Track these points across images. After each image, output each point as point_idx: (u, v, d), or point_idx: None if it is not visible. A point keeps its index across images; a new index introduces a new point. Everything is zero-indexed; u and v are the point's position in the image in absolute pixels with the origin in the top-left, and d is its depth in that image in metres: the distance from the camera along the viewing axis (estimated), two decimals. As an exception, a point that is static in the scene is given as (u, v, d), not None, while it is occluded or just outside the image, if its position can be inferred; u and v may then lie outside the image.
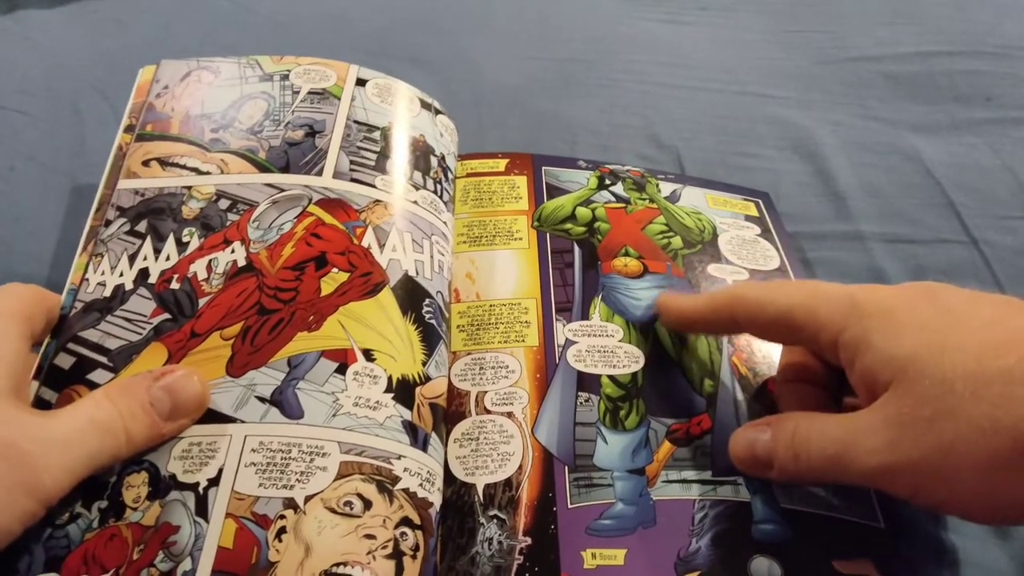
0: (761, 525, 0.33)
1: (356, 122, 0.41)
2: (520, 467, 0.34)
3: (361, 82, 0.43)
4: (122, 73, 0.56)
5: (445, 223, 0.41)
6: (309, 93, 0.42)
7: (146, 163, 0.39)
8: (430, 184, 0.41)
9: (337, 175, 0.38)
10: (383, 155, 0.40)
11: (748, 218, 0.48)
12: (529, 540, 0.32)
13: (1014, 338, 0.25)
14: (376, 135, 0.41)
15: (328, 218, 0.37)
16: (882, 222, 0.51)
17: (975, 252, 0.49)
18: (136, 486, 0.29)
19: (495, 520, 0.33)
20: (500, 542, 0.32)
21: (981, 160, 0.55)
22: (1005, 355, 0.24)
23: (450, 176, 0.43)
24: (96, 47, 0.58)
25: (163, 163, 0.39)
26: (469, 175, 0.47)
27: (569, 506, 0.33)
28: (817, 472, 0.29)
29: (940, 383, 0.24)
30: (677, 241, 0.45)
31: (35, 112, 0.52)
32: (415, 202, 0.39)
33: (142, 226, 0.36)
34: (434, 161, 0.42)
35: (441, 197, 0.41)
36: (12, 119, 0.52)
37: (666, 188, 0.48)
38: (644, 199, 0.47)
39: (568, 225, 0.45)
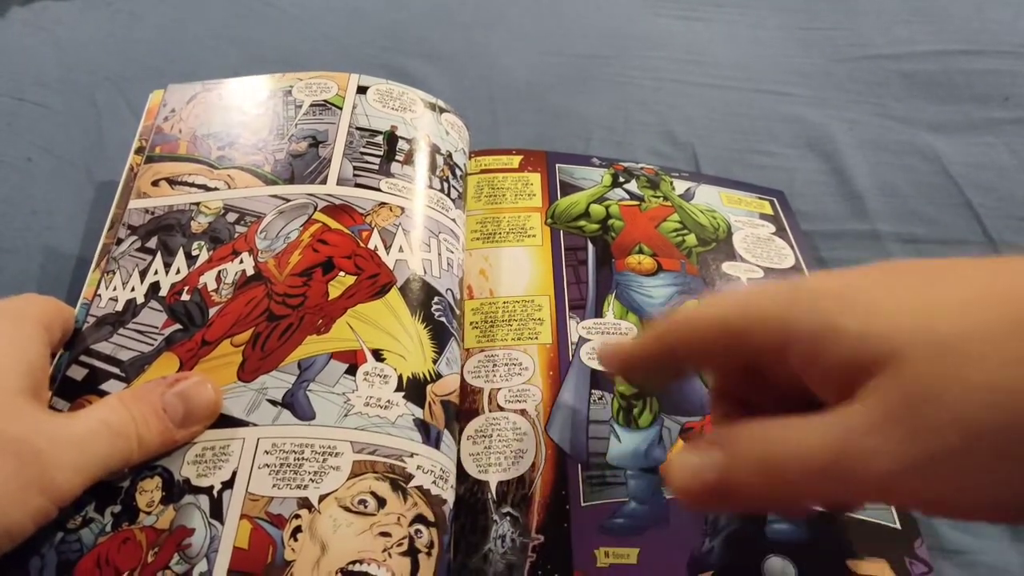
0: (775, 524, 0.33)
1: (359, 129, 0.42)
2: (533, 464, 0.34)
3: (362, 90, 0.44)
4: (137, 66, 0.56)
5: (454, 220, 0.41)
6: (311, 106, 0.43)
7: (155, 183, 0.40)
8: (436, 183, 0.41)
9: (341, 182, 0.39)
10: (386, 158, 0.41)
11: (763, 216, 0.48)
12: (542, 538, 0.32)
13: (1006, 286, 0.21)
14: (379, 139, 0.41)
15: (334, 224, 0.37)
16: (899, 222, 0.50)
17: (993, 253, 0.49)
18: (149, 491, 0.29)
19: (508, 517, 0.33)
20: (513, 539, 0.32)
21: (999, 160, 0.55)
22: (1005, 303, 0.20)
23: (458, 173, 0.43)
24: (112, 39, 0.58)
25: (172, 182, 0.40)
26: (483, 171, 0.47)
27: (582, 504, 0.33)
28: (798, 493, 0.22)
29: (938, 348, 0.20)
30: (691, 239, 0.45)
31: (52, 104, 0.52)
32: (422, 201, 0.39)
33: (152, 242, 0.37)
34: (440, 159, 0.42)
35: (448, 195, 0.41)
36: (29, 111, 0.52)
37: (680, 186, 0.48)
38: (658, 197, 0.47)
39: (582, 222, 0.44)
